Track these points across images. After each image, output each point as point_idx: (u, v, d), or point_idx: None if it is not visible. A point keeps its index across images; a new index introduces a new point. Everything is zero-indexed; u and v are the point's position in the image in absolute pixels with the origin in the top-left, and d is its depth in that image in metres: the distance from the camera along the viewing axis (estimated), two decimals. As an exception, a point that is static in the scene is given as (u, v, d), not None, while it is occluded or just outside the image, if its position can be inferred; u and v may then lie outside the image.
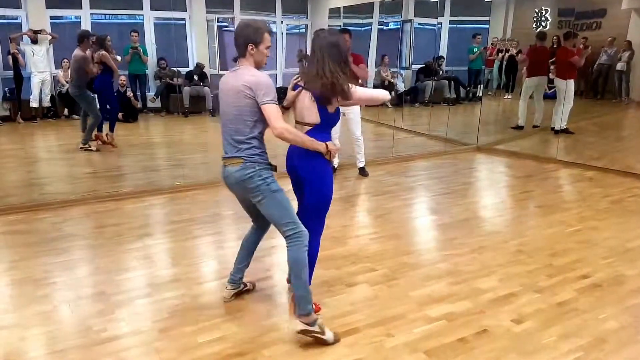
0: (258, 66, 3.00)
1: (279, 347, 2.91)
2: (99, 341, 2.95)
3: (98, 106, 7.56)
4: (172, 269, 3.89)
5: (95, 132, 7.60)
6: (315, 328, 2.93)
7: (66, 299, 3.43)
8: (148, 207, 5.38)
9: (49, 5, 9.00)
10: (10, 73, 8.54)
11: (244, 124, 2.94)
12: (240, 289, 3.47)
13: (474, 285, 3.66)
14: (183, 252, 4.10)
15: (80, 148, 7.48)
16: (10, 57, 8.18)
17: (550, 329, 3.10)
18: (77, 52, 7.23)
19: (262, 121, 2.94)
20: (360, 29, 11.97)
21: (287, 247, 3.00)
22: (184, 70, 10.68)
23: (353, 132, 6.37)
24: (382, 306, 3.36)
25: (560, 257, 4.14)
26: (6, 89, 9.19)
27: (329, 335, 2.96)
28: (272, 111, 2.87)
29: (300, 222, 3.00)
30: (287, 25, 11.93)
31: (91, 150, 7.50)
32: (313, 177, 3.09)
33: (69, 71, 7.71)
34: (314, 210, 3.15)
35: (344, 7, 11.18)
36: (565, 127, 8.47)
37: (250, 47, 2.92)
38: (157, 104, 10.45)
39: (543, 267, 3.96)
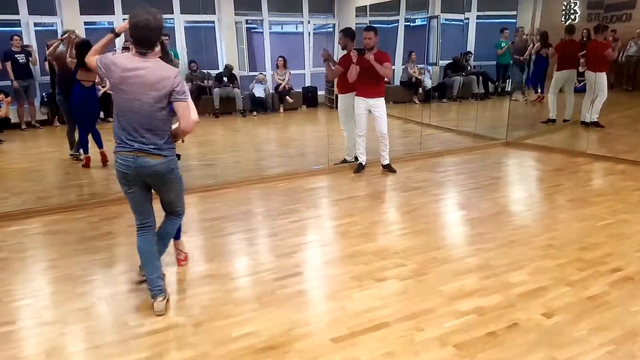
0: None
1: (310, 341, 2.96)
2: (135, 336, 3.05)
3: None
4: (206, 265, 3.98)
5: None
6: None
7: (104, 296, 3.56)
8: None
9: (83, 12, 9.26)
10: (48, 78, 8.80)
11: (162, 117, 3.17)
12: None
13: (504, 279, 3.65)
14: (216, 249, 4.18)
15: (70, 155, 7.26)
16: (46, 62, 8.42)
17: (582, 323, 3.09)
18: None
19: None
20: (386, 26, 11.97)
21: (169, 220, 3.56)
22: (214, 72, 10.84)
23: (379, 129, 6.40)
24: (412, 301, 3.38)
25: (591, 250, 4.10)
26: (44, 94, 9.51)
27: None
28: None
29: None
30: (314, 25, 12.00)
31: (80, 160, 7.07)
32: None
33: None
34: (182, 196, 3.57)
35: (370, 5, 11.19)
36: (596, 119, 8.36)
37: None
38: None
39: (573, 260, 3.93)
